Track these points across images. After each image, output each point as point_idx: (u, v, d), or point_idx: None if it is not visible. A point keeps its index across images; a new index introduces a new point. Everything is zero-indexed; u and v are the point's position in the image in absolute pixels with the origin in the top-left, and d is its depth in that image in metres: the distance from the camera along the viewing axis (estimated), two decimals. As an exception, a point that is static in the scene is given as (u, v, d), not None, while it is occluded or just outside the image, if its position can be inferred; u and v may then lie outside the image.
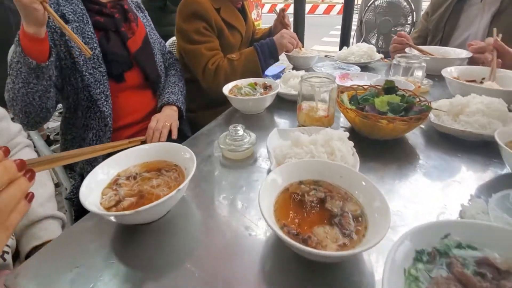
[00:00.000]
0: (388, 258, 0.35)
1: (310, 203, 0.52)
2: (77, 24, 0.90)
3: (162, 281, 0.45)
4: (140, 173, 0.63)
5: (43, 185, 0.84)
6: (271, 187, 0.53)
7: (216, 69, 1.19)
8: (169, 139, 0.96)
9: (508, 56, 1.06)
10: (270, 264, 0.48)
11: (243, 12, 1.42)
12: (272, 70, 2.74)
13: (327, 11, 10.66)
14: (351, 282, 0.44)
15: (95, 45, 0.92)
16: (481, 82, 1.04)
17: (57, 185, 1.19)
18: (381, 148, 0.76)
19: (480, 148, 0.72)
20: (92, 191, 0.56)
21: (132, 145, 0.69)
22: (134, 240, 0.53)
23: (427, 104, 0.75)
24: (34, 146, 1.00)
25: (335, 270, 0.46)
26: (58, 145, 1.40)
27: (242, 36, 1.38)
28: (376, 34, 2.98)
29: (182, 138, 0.98)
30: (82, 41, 0.87)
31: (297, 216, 0.50)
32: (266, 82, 1.04)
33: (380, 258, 0.47)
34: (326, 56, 4.21)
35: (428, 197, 0.59)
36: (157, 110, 1.08)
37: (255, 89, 1.00)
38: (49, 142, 2.35)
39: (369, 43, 1.97)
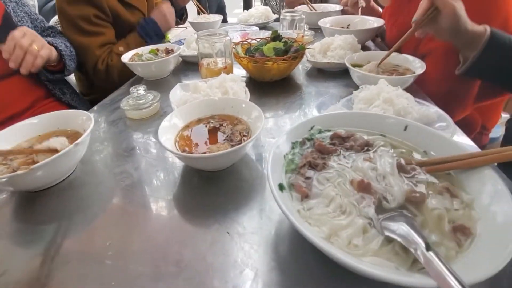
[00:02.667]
0: (271, 150, 0.40)
1: (208, 132, 0.54)
2: None
3: (75, 233, 0.42)
4: (34, 144, 0.55)
5: None
6: (171, 126, 0.53)
7: (107, 69, 1.04)
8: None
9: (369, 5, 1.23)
10: (179, 185, 0.49)
11: None
12: (176, 37, 2.61)
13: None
14: (244, 179, 0.49)
15: None
16: (348, 27, 1.19)
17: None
18: (273, 88, 0.83)
19: (343, 74, 0.85)
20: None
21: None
22: (35, 209, 0.47)
23: (302, 45, 0.83)
24: None
25: (231, 173, 0.50)
26: None
27: (145, 14, 1.21)
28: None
29: None
30: None
31: (197, 143, 0.52)
32: (167, 47, 1.00)
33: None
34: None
35: (306, 113, 0.68)
36: None
37: (157, 54, 0.94)
38: None
39: (270, 4, 2.03)
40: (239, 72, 0.91)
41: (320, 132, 0.47)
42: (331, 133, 0.46)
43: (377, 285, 0.27)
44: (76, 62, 1.02)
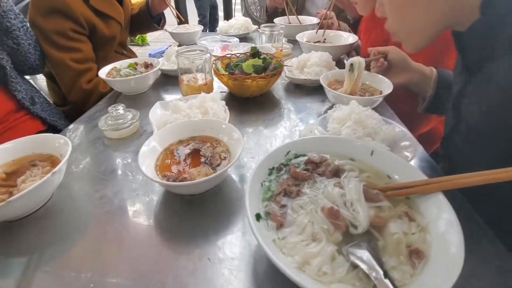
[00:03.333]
0: (249, 177, 0.42)
1: (187, 154, 0.56)
2: None
3: (51, 264, 0.42)
4: (7, 172, 0.54)
5: None
6: (150, 151, 0.54)
7: (94, 90, 1.01)
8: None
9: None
10: (160, 210, 0.50)
11: None
12: (157, 49, 2.58)
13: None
14: (225, 201, 0.51)
15: None
16: (324, 41, 1.24)
17: None
18: (253, 103, 0.85)
19: (320, 88, 0.89)
20: None
21: None
22: (8, 240, 0.46)
23: (280, 63, 0.86)
24: None
25: (212, 196, 0.52)
26: None
27: (121, 24, 1.18)
28: (259, 7, 3.11)
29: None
30: None
31: (177, 167, 0.53)
32: (146, 61, 0.99)
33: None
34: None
35: (286, 134, 0.71)
36: None
37: (136, 69, 0.93)
38: None
39: (252, 15, 2.04)
40: (220, 86, 0.93)
41: (296, 156, 0.50)
42: (305, 158, 0.49)
43: (343, 309, 0.30)
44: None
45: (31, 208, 0.49)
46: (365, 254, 0.33)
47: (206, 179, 0.46)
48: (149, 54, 2.62)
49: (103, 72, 0.88)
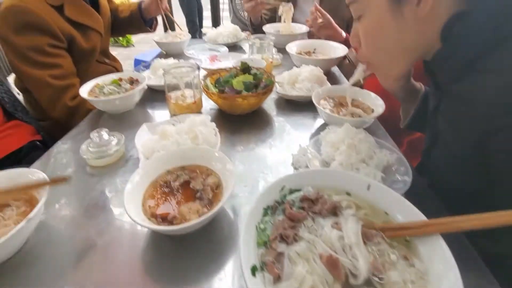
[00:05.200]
0: (244, 221, 0.40)
1: (177, 188, 0.53)
2: None
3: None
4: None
5: None
6: (137, 186, 0.51)
7: (79, 106, 0.96)
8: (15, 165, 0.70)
9: (330, 25, 1.26)
10: (148, 252, 0.47)
11: None
12: (147, 55, 2.50)
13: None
14: (218, 238, 0.48)
15: None
16: (314, 52, 1.22)
17: None
18: (244, 120, 0.83)
19: (311, 104, 0.86)
20: None
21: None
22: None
23: (271, 79, 0.84)
24: None
25: (203, 233, 0.49)
26: None
27: (102, 34, 1.11)
28: (247, 11, 3.02)
29: (35, 153, 0.79)
30: None
31: (165, 202, 0.50)
32: (132, 76, 0.94)
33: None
34: (204, 34, 4.12)
35: (278, 154, 0.70)
36: None
37: (120, 85, 0.89)
38: None
39: (241, 18, 1.98)
40: (209, 103, 0.90)
41: (290, 192, 0.48)
42: (301, 193, 0.47)
43: None
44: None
45: (4, 257, 0.45)
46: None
47: (198, 221, 0.44)
48: (135, 60, 2.52)
49: (84, 90, 0.83)
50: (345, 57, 1.24)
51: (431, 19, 0.49)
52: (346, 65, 1.25)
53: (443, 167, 0.59)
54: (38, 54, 0.88)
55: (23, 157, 0.89)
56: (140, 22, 1.31)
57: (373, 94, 0.79)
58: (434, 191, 0.60)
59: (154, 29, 1.41)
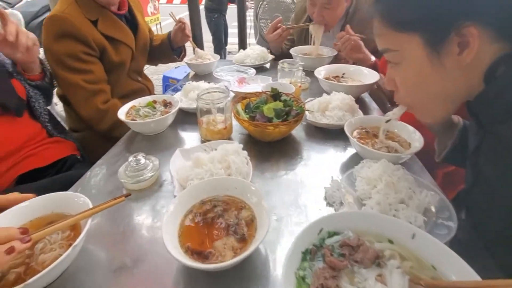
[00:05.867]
0: (283, 267, 0.39)
1: (211, 220, 0.53)
2: None
3: None
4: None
5: None
6: (173, 216, 0.52)
7: (109, 110, 1.03)
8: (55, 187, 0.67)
9: (360, 48, 1.23)
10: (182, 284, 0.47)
11: (132, 19, 1.21)
12: (174, 71, 2.60)
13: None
14: (251, 277, 0.47)
15: None
16: (343, 76, 1.21)
17: None
18: (274, 147, 0.83)
19: (342, 133, 0.83)
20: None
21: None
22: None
23: (301, 107, 0.84)
24: None
25: (236, 269, 0.48)
26: None
27: (133, 49, 1.19)
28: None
29: (72, 163, 0.83)
30: None
31: (200, 235, 0.51)
32: (165, 98, 0.98)
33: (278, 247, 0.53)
34: (229, 52, 4.23)
35: (309, 184, 0.68)
36: None
37: (155, 108, 0.92)
38: None
39: (262, 32, 2.01)
40: (239, 129, 0.91)
41: (329, 235, 0.46)
42: (340, 237, 0.46)
43: None
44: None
45: (47, 283, 0.47)
46: None
47: (234, 261, 0.43)
48: (163, 76, 2.63)
49: (122, 112, 0.87)
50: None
51: (474, 65, 0.48)
52: (374, 90, 1.22)
53: (486, 208, 0.56)
54: (74, 60, 0.97)
55: (66, 168, 0.94)
56: (169, 50, 1.39)
57: (410, 127, 0.77)
58: (477, 233, 0.56)
59: (182, 59, 1.48)
